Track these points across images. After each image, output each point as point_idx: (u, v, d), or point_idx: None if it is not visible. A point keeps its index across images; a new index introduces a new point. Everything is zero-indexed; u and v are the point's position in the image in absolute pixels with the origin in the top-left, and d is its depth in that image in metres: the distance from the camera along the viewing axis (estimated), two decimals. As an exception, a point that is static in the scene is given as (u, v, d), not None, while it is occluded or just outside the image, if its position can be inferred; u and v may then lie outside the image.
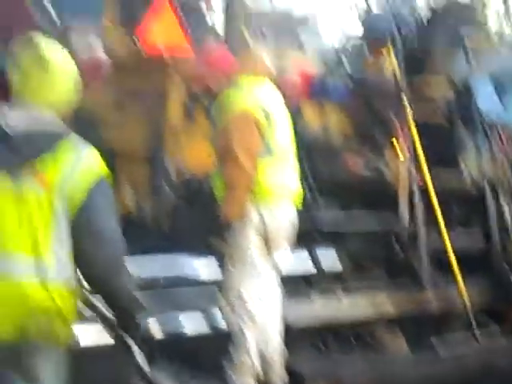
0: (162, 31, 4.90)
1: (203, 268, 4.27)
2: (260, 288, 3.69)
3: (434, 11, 7.21)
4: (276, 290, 3.82)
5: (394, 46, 5.36)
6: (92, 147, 2.36)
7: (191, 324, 4.02)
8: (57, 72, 2.32)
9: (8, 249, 2.20)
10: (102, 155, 2.36)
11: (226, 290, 3.72)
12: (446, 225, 5.08)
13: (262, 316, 3.70)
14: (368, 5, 7.46)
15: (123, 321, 2.53)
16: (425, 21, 6.83)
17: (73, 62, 2.41)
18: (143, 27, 4.88)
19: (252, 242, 3.64)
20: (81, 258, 2.29)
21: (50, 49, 2.36)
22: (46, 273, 2.21)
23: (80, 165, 2.28)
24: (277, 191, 3.70)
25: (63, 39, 5.81)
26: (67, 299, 2.27)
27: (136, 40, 4.87)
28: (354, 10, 8.41)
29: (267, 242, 3.70)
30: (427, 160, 5.07)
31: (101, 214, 2.31)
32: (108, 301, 2.47)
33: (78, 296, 2.39)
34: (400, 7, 7.04)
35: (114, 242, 2.34)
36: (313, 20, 8.64)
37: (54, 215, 2.22)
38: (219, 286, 3.83)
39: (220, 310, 3.82)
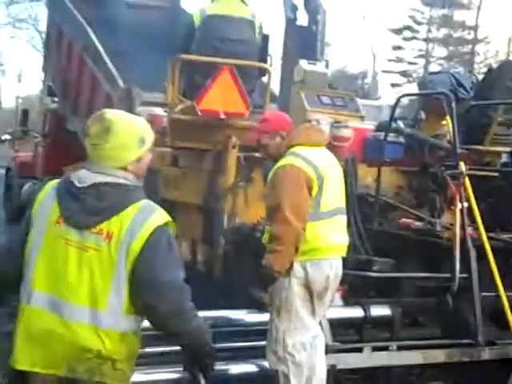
0: (220, 97, 5.19)
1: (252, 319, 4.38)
2: (304, 338, 3.77)
3: (489, 70, 7.34)
4: (321, 340, 3.89)
5: (451, 107, 5.39)
6: (160, 209, 2.54)
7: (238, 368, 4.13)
8: (119, 132, 2.51)
9: (68, 297, 2.42)
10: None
11: (272, 340, 3.81)
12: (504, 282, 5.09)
13: (307, 364, 3.78)
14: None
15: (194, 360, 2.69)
16: (481, 79, 6.96)
17: (138, 121, 2.62)
18: (203, 94, 5.17)
19: (296, 293, 3.74)
20: (144, 310, 2.48)
21: (114, 113, 2.60)
22: (100, 321, 2.41)
23: (144, 222, 2.45)
24: (324, 250, 3.81)
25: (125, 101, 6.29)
26: (119, 345, 2.45)
27: (195, 104, 5.17)
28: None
29: (312, 293, 3.79)
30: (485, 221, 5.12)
31: (155, 265, 2.45)
32: (181, 345, 2.68)
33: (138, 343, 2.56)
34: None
35: (173, 292, 2.47)
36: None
37: (114, 268, 2.42)
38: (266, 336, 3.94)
39: (267, 358, 3.91)
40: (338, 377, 4.28)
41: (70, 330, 2.42)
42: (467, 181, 5.03)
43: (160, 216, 2.51)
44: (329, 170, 3.91)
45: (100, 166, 2.52)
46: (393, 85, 35.53)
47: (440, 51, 36.18)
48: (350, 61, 61.74)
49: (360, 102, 8.50)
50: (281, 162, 3.86)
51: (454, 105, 5.22)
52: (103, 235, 2.42)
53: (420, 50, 36.31)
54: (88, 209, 2.45)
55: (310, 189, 3.75)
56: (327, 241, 3.81)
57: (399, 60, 36.29)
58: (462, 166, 5.05)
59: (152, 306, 2.45)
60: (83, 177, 2.50)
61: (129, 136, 2.54)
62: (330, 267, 3.81)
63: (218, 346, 3.91)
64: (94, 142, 2.53)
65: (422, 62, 36.13)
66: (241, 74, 5.25)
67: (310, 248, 3.75)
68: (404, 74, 35.93)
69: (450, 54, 35.09)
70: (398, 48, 36.22)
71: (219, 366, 4.07)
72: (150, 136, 2.61)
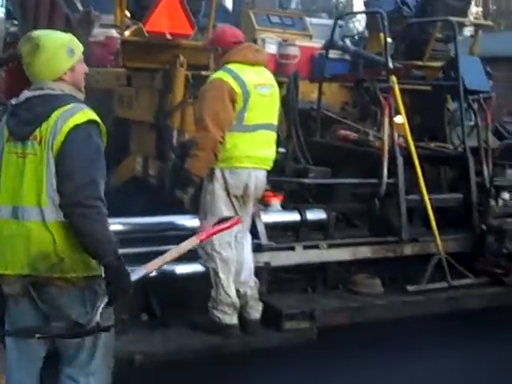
0: (166, 18, 5.45)
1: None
2: (230, 237, 4.20)
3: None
4: (247, 239, 4.37)
5: (383, 24, 5.71)
6: (88, 111, 2.75)
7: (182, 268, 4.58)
8: (47, 45, 2.78)
9: (22, 202, 2.75)
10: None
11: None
12: (429, 185, 5.60)
13: (233, 260, 4.26)
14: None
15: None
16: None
17: (64, 35, 2.89)
18: (149, 16, 5.43)
19: (219, 197, 4.19)
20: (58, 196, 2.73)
21: (40, 31, 2.91)
22: (44, 216, 2.72)
23: (69, 117, 2.71)
24: (242, 159, 4.19)
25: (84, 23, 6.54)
26: (70, 237, 2.72)
27: (142, 25, 5.44)
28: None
29: (234, 198, 4.22)
30: (414, 129, 5.57)
31: (70, 158, 2.69)
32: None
33: None
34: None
35: (78, 184, 2.67)
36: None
37: (45, 166, 2.72)
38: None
39: (199, 256, 4.35)
40: (273, 274, 4.81)
41: (26, 230, 2.73)
42: (397, 93, 5.44)
43: (83, 115, 2.74)
44: (260, 88, 4.25)
45: (37, 82, 2.83)
46: (365, 3, 35.10)
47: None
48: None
49: (315, 21, 8.81)
50: (211, 76, 4.25)
51: (386, 22, 5.59)
52: (37, 140, 2.74)
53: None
54: (23, 121, 2.79)
55: (233, 102, 4.12)
56: (246, 151, 4.20)
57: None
58: (392, 80, 5.46)
59: (59, 191, 2.70)
60: (21, 96, 2.84)
61: (57, 47, 2.82)
62: (248, 176, 4.21)
63: (167, 247, 4.41)
64: (27, 60, 2.83)
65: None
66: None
67: (229, 156, 4.17)
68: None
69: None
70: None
71: (167, 267, 4.60)
72: (78, 46, 2.89)
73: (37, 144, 2.75)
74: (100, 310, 2.70)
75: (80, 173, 2.70)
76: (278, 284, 4.79)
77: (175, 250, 2.95)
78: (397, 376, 4.53)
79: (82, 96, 2.91)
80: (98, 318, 2.69)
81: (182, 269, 4.59)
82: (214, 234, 3.18)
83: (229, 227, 3.14)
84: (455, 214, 5.63)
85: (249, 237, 4.41)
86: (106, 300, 2.72)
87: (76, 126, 2.71)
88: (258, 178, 4.31)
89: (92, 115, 2.78)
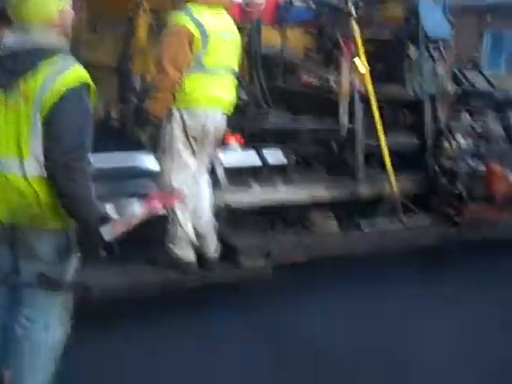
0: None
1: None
2: (187, 178, 4.37)
3: None
4: (204, 179, 4.52)
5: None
6: (74, 66, 2.71)
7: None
8: None
9: (5, 152, 2.74)
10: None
11: (159, 177, 4.43)
12: (388, 130, 5.77)
13: (190, 198, 4.41)
14: None
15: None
16: None
17: None
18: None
19: (177, 137, 4.32)
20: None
21: None
22: (25, 169, 2.70)
23: (59, 77, 2.65)
24: (200, 100, 4.31)
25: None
26: (51, 190, 2.71)
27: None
28: None
29: (192, 139, 4.34)
30: (375, 75, 5.69)
31: (60, 123, 2.66)
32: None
33: None
34: None
35: (66, 149, 2.65)
36: None
37: (31, 121, 2.67)
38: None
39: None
40: (232, 214, 4.98)
41: (9, 181, 2.73)
42: (358, 39, 5.55)
43: (74, 74, 2.70)
44: (220, 33, 4.36)
45: (24, 26, 2.74)
46: None
47: None
48: None
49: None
50: (172, 20, 4.35)
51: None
52: (23, 97, 2.67)
53: None
54: (7, 70, 2.73)
55: (191, 45, 4.23)
56: (205, 93, 4.32)
57: None
58: (353, 26, 5.56)
59: (46, 152, 2.69)
60: (6, 40, 2.78)
61: None
62: (205, 117, 4.34)
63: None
64: (15, 3, 2.79)
65: None
66: None
67: (187, 97, 4.29)
68: None
69: None
70: None
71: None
72: None
73: (23, 101, 2.70)
74: (74, 266, 2.84)
75: (69, 136, 2.69)
76: (236, 224, 4.97)
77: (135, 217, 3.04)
78: (350, 309, 4.76)
79: (67, 42, 2.87)
80: (70, 274, 2.83)
81: None
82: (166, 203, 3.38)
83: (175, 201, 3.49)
84: (412, 157, 5.80)
85: (207, 176, 4.56)
86: (78, 256, 2.83)
87: (67, 90, 2.67)
88: (215, 120, 4.43)
89: (82, 74, 2.75)
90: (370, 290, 5.03)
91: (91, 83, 2.79)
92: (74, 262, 2.87)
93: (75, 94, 2.69)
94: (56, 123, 2.69)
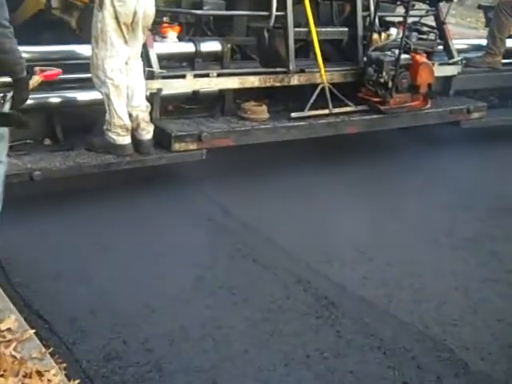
0: None
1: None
2: (121, 64, 4.56)
3: None
4: (138, 66, 4.71)
5: None
6: None
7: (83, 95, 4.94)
8: None
9: None
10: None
11: (94, 66, 4.60)
12: (322, 21, 5.96)
13: (124, 85, 4.63)
14: None
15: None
16: None
17: None
18: None
19: (109, 25, 4.46)
20: None
21: None
22: None
23: None
24: None
25: None
26: None
27: None
28: None
29: (123, 26, 4.48)
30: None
31: None
32: None
33: None
34: None
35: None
36: None
37: None
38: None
39: (93, 82, 4.69)
40: (166, 102, 5.21)
41: None
42: None
43: None
44: None
45: None
46: None
47: None
48: None
49: None
50: None
51: None
52: None
53: None
54: None
55: None
56: None
57: None
58: None
59: None
60: None
61: None
62: (136, 3, 4.48)
63: (67, 76, 4.74)
64: None
65: None
66: None
67: None
68: None
69: None
70: None
71: (68, 94, 4.95)
72: None
73: None
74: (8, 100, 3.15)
75: None
76: (169, 111, 5.22)
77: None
78: (273, 187, 5.20)
79: None
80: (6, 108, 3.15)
81: (84, 96, 4.96)
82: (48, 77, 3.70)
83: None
84: (343, 48, 6.04)
85: (140, 63, 4.75)
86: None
87: None
88: (146, 6, 4.58)
89: None
90: (290, 169, 5.48)
91: None
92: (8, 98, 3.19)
93: None
94: None
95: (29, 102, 3.40)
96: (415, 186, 5.53)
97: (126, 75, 4.62)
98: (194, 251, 4.20)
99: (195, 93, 5.31)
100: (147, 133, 4.82)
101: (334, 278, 4.01)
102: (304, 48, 5.88)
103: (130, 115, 4.71)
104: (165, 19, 5.50)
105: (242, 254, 4.24)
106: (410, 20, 6.15)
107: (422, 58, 5.81)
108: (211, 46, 5.45)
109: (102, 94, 4.64)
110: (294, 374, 3.15)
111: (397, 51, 5.69)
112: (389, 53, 5.76)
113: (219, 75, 5.29)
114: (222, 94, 5.48)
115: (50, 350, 2.85)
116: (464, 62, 6.67)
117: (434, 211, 5.11)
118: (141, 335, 3.32)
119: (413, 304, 3.81)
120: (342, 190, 5.24)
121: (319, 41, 5.60)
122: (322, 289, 3.88)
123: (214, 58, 5.48)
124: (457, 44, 6.95)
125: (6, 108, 3.18)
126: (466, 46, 7.20)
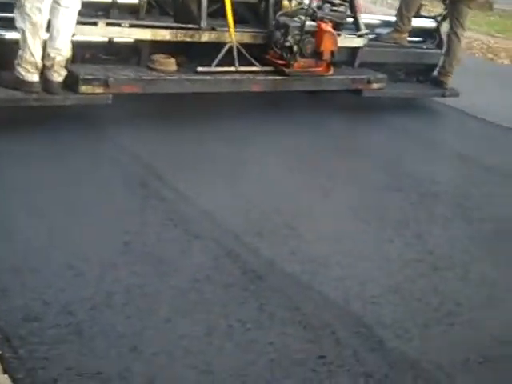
0: None
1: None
2: (40, 2, 4.79)
3: None
4: (70, 10, 4.96)
5: None
6: None
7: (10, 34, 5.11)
8: None
9: None
10: None
11: (18, 3, 4.83)
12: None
13: (41, 24, 4.89)
14: None
15: None
16: None
17: None
18: None
19: None
20: None
21: None
22: None
23: None
24: None
25: None
26: None
27: None
28: None
29: None
30: None
31: None
32: None
33: None
34: None
35: None
36: None
37: None
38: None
39: (15, 18, 4.90)
40: (80, 49, 5.45)
41: None
42: None
43: None
44: None
45: None
46: None
47: None
48: None
49: None
50: None
51: None
52: None
53: None
54: None
55: None
56: None
57: None
58: None
59: None
60: None
61: None
62: None
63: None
64: None
65: None
66: None
67: None
68: None
69: None
70: None
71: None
72: None
73: None
74: None
75: None
76: (80, 57, 5.46)
77: None
78: (176, 135, 5.52)
79: None
80: None
81: (11, 35, 5.14)
82: None
83: None
84: (258, 11, 6.39)
85: (74, 9, 5.00)
86: None
87: None
88: None
89: None
90: (196, 122, 5.83)
91: None
92: None
93: None
94: None
95: None
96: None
97: (45, 15, 4.85)
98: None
99: (111, 42, 5.60)
100: (58, 76, 5.06)
101: (263, 252, 3.99)
102: (222, 10, 6.17)
103: (48, 55, 4.96)
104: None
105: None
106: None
107: (327, 27, 6.20)
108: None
109: (18, 29, 4.87)
110: (215, 343, 3.15)
111: (303, 18, 6.06)
112: (296, 19, 6.13)
113: (132, 26, 5.58)
114: (137, 47, 5.76)
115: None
116: (374, 36, 7.11)
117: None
118: (63, 298, 3.25)
119: (337, 281, 3.82)
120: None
121: (233, 2, 5.94)
122: (250, 262, 3.86)
123: (132, 11, 5.77)
124: (369, 19, 7.41)
125: None
126: (377, 22, 7.64)
